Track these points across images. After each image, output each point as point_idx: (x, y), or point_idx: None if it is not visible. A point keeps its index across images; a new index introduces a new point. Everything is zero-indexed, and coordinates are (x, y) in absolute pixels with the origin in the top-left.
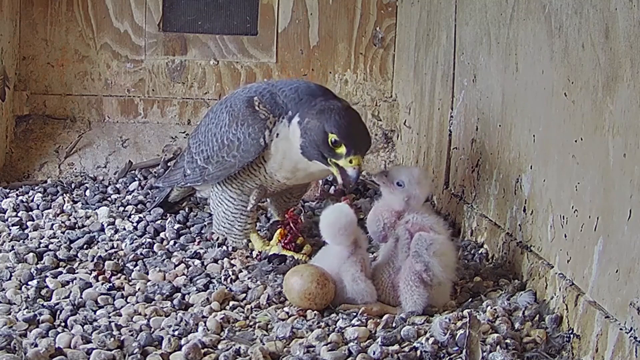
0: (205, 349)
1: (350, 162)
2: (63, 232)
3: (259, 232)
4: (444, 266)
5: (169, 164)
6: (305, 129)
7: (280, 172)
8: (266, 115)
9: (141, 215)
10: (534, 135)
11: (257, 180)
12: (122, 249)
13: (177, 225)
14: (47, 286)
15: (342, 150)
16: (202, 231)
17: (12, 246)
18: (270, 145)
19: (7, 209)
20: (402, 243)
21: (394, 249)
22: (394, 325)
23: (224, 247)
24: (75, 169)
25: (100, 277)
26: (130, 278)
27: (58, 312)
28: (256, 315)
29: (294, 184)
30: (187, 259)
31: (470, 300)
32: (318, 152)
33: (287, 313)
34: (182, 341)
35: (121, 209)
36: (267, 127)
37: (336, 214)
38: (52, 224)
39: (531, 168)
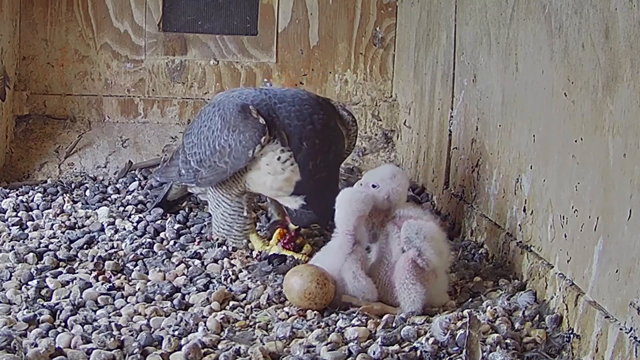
0: (205, 349)
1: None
2: (63, 232)
3: (258, 232)
4: (437, 252)
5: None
6: (303, 213)
7: (257, 188)
8: (263, 129)
9: (141, 215)
10: (534, 135)
11: (240, 187)
12: (122, 249)
13: (177, 225)
14: (47, 286)
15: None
16: (202, 231)
17: (12, 246)
18: (259, 159)
19: (7, 209)
20: (392, 237)
21: (386, 246)
22: (394, 325)
23: (224, 247)
24: (75, 169)
25: (100, 277)
26: (130, 278)
27: (58, 312)
28: (256, 315)
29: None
30: (187, 259)
31: (470, 300)
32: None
33: (287, 313)
34: (182, 341)
35: (121, 209)
36: (260, 143)
37: (352, 193)
38: (52, 224)
39: (531, 168)
